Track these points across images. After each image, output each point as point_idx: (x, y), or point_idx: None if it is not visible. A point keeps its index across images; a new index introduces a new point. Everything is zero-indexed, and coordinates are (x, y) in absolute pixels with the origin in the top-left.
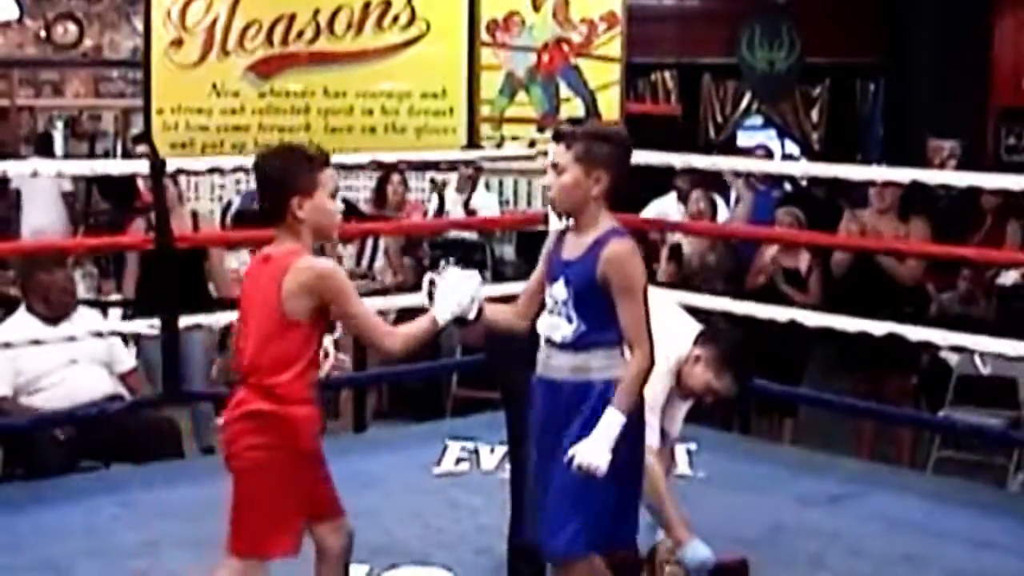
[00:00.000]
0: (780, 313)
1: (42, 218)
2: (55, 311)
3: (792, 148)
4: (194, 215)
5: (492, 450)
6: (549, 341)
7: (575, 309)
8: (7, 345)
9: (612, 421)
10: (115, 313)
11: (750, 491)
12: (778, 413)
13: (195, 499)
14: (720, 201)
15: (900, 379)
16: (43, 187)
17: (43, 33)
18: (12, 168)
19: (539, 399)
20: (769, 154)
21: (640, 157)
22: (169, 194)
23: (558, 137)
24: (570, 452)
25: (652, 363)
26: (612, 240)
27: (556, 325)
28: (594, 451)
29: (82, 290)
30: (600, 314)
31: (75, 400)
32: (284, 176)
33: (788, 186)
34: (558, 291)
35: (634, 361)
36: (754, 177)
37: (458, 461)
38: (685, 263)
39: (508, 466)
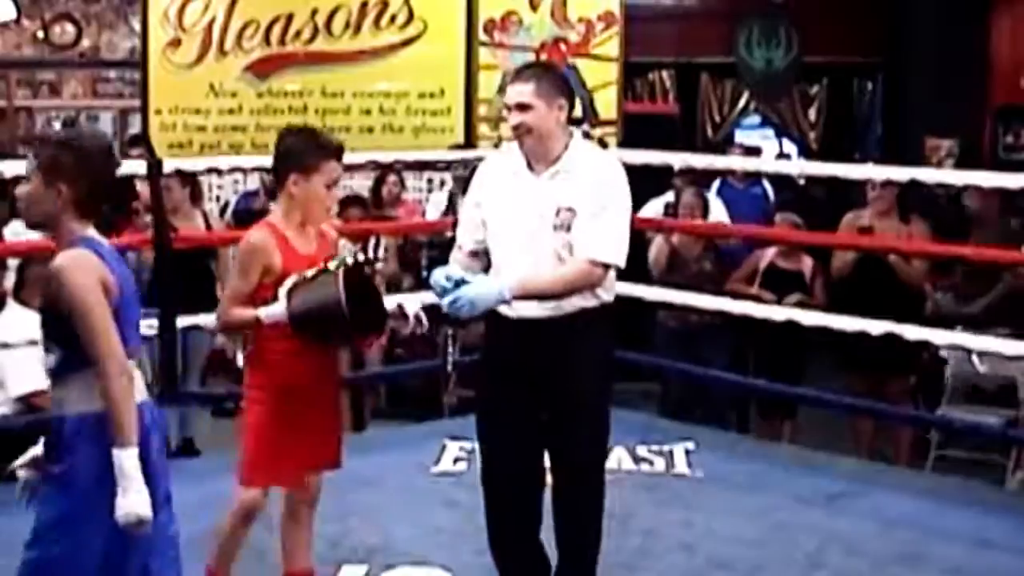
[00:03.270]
0: (779, 313)
1: None
2: None
3: (790, 147)
4: (205, 216)
5: None
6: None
7: (47, 336)
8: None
9: (122, 463)
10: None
11: (749, 490)
12: (778, 413)
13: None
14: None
15: (899, 379)
16: None
17: (40, 33)
18: (8, 168)
19: None
20: (747, 152)
21: (638, 156)
22: (177, 195)
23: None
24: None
25: (124, 377)
26: (59, 256)
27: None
28: (130, 504)
29: None
30: (72, 338)
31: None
32: (291, 151)
33: (769, 187)
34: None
35: (104, 382)
36: (733, 175)
37: (456, 461)
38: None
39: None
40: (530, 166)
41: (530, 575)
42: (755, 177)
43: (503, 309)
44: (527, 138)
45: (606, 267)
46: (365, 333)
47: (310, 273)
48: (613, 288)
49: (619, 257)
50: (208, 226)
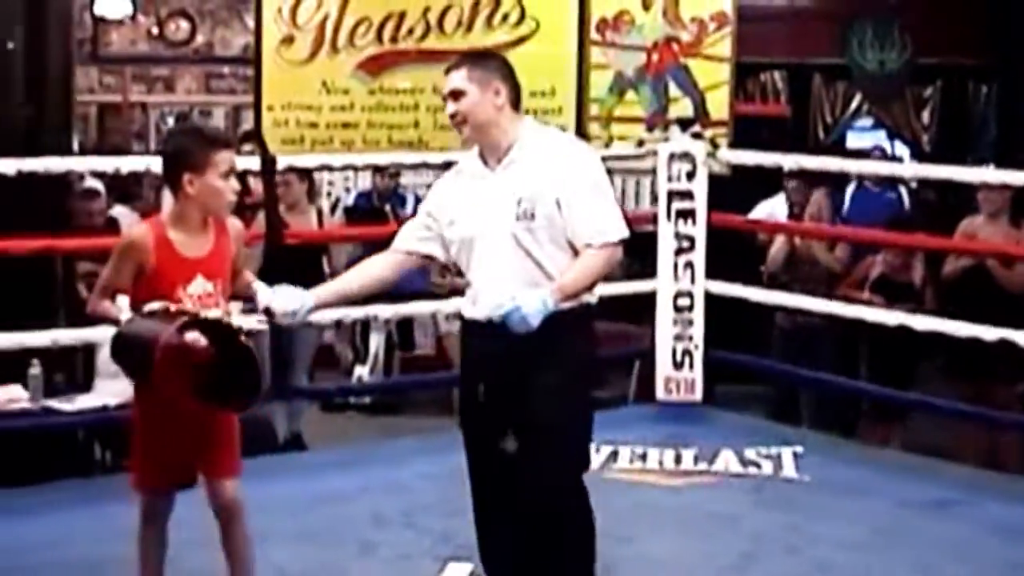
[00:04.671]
0: (891, 318)
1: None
2: None
3: (902, 150)
4: (319, 213)
5: (597, 449)
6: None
7: None
8: None
9: None
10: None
11: (856, 495)
12: (887, 418)
13: (294, 493)
14: None
15: (1007, 386)
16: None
17: (155, 30)
18: (125, 164)
19: None
20: (885, 155)
21: (749, 158)
22: (296, 191)
23: None
24: None
25: None
26: None
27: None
28: None
29: None
30: None
31: None
32: (179, 152)
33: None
34: None
35: None
36: (867, 179)
37: None
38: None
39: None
40: (485, 162)
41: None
42: (891, 182)
43: (467, 310)
44: (464, 128)
45: (617, 244)
46: (219, 398)
47: (174, 308)
48: (596, 289)
49: (623, 230)
50: (320, 223)
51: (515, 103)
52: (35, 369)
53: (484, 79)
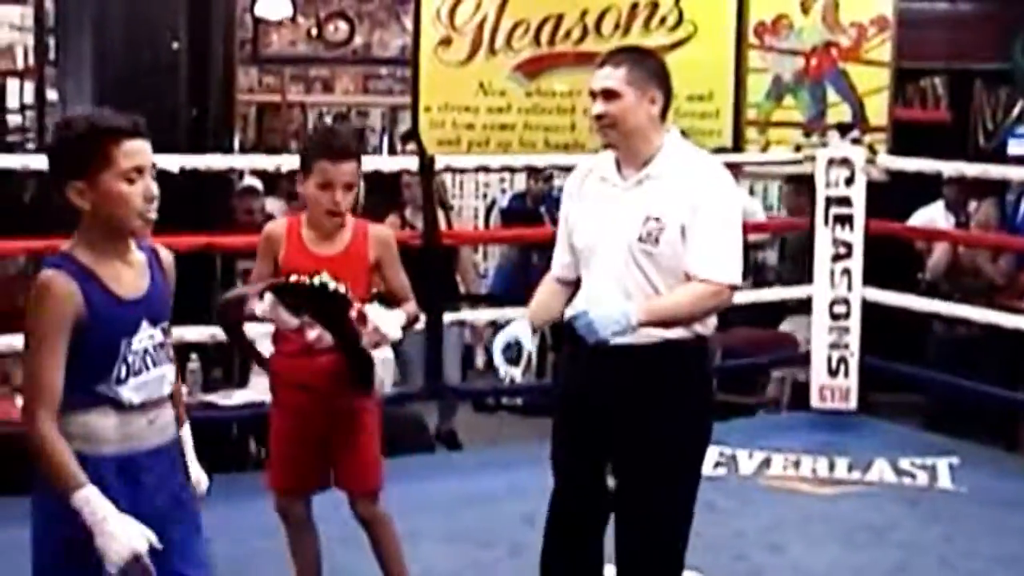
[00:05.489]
0: None
1: None
2: None
3: None
4: (447, 214)
5: (750, 456)
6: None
7: None
8: None
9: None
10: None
11: (1013, 508)
12: None
13: (446, 493)
14: None
15: None
16: None
17: (314, 31)
18: (286, 162)
19: None
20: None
21: (908, 164)
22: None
23: None
24: None
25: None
26: None
27: None
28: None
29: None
30: None
31: None
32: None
33: None
34: None
35: None
36: None
37: (716, 465)
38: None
39: (766, 472)
40: (620, 169)
41: None
42: None
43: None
44: (611, 132)
45: (730, 288)
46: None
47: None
48: (713, 321)
49: (739, 275)
50: (449, 223)
51: (664, 113)
52: (194, 364)
53: (642, 84)
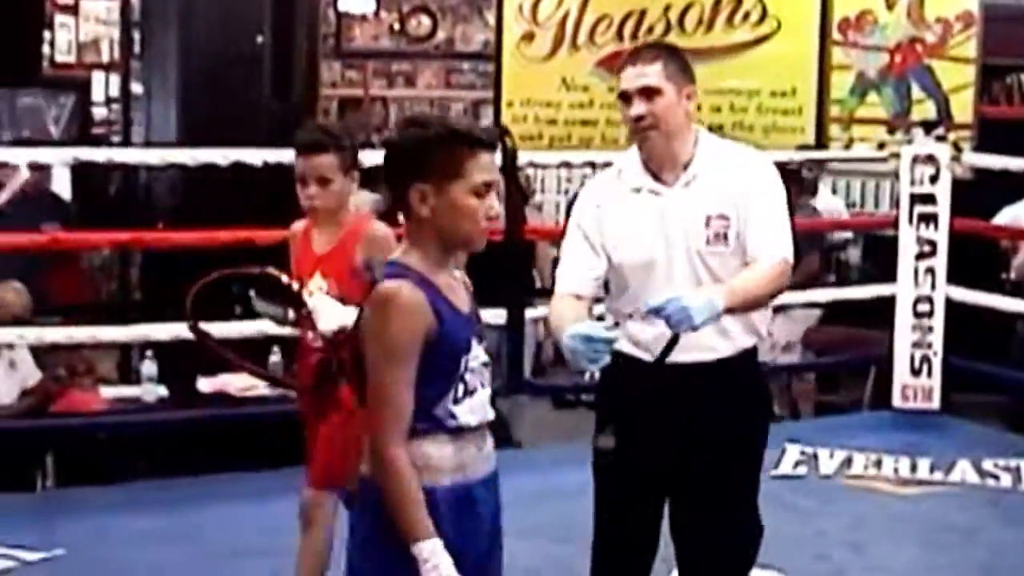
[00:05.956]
0: None
1: None
2: None
3: None
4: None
5: (831, 455)
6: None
7: None
8: None
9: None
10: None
11: None
12: None
13: (523, 488)
14: None
15: None
16: None
17: (397, 25)
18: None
19: None
20: None
21: (995, 162)
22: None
23: None
24: None
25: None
26: None
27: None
28: None
29: None
30: None
31: None
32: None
33: None
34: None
35: None
36: None
37: (796, 464)
38: None
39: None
40: (656, 176)
41: None
42: None
43: (634, 351)
44: (653, 135)
45: (789, 264)
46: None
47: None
48: (768, 320)
49: (792, 251)
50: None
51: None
52: (275, 357)
53: (679, 79)
